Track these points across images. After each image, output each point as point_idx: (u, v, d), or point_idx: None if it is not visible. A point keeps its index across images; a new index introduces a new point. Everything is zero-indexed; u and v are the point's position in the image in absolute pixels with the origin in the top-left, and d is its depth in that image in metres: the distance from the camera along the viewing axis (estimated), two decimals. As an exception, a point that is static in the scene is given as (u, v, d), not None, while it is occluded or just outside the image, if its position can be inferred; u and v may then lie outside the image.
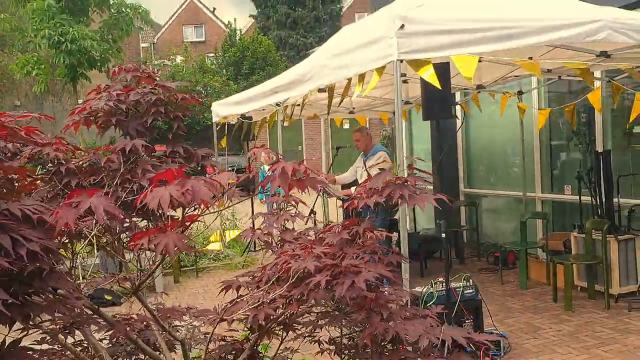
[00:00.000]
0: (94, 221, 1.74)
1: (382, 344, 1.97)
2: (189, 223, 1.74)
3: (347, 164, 7.63)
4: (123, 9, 14.71)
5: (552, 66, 6.03)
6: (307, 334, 2.46)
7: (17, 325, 1.68)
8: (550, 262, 6.50)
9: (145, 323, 2.31)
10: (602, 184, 6.26)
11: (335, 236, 2.04)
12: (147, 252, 2.00)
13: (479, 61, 5.30)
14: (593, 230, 6.08)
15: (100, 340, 2.40)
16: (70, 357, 2.02)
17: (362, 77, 4.64)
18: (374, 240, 2.13)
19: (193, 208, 1.73)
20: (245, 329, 2.19)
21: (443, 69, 4.24)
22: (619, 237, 5.98)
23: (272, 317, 1.94)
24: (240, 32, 29.59)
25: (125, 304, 6.34)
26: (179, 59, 26.01)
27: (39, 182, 2.18)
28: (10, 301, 1.45)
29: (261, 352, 2.31)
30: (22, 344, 1.73)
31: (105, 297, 6.64)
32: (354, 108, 8.95)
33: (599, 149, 6.70)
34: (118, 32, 14.79)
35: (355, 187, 7.31)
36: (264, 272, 2.04)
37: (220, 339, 2.41)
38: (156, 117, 2.19)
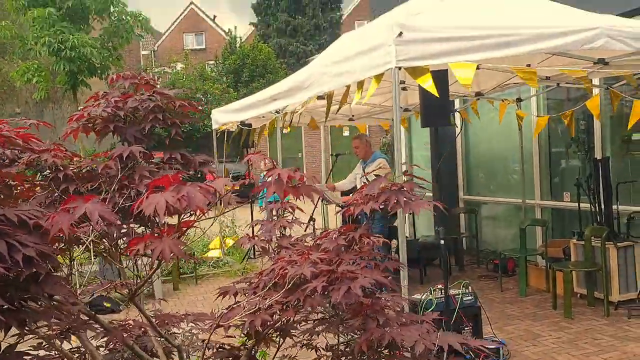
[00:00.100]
0: (91, 227, 1.75)
1: (379, 349, 1.97)
2: (185, 229, 1.74)
3: (347, 171, 7.64)
4: (123, 17, 14.75)
5: (551, 73, 6.05)
6: (305, 341, 2.46)
7: (14, 330, 1.68)
8: (549, 269, 6.49)
9: (142, 329, 2.31)
10: (601, 191, 6.26)
11: (331, 242, 2.04)
12: (144, 258, 2.01)
13: (477, 68, 5.33)
14: (592, 238, 6.08)
15: (98, 347, 2.40)
16: (67, 363, 2.02)
17: (360, 85, 4.66)
18: (371, 246, 2.13)
19: (189, 214, 1.73)
20: (242, 335, 2.19)
21: (441, 76, 4.26)
22: (618, 244, 5.98)
23: (268, 323, 1.94)
24: (241, 39, 29.67)
25: (124, 311, 6.34)
26: (179, 66, 26.08)
27: (38, 188, 2.18)
28: (5, 307, 1.45)
29: (259, 359, 2.31)
30: (19, 350, 1.73)
31: (104, 304, 6.63)
32: (353, 115, 8.97)
33: (598, 156, 6.70)
34: (118, 40, 14.83)
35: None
36: (261, 278, 2.05)
37: (217, 346, 2.41)
38: (154, 123, 2.20)
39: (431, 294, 4.71)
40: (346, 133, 20.69)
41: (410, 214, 8.88)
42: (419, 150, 10.52)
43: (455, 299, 4.70)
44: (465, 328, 4.72)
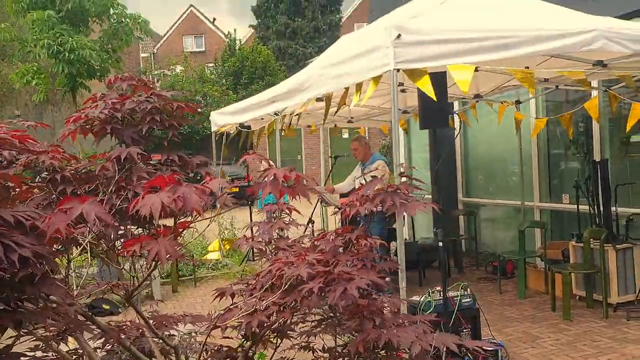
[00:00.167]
0: (88, 229, 1.75)
1: (375, 350, 1.97)
2: (181, 230, 1.75)
3: (346, 174, 7.65)
4: (123, 20, 14.76)
5: (549, 75, 6.06)
6: (303, 343, 2.46)
7: (11, 332, 1.68)
8: (548, 271, 6.49)
9: (140, 331, 2.31)
10: (599, 193, 6.26)
11: (328, 243, 2.05)
12: (142, 260, 2.01)
13: (476, 70, 5.33)
14: (591, 240, 6.08)
15: (96, 349, 2.40)
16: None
17: (359, 87, 4.66)
18: (368, 247, 2.13)
19: (186, 215, 1.74)
20: (240, 336, 2.19)
21: (440, 79, 4.26)
22: (617, 246, 5.98)
23: (265, 324, 1.94)
24: (240, 42, 29.71)
25: (123, 313, 6.34)
26: (178, 68, 26.09)
27: (36, 190, 2.19)
28: (1, 307, 1.45)
29: (252, 356, 2.31)
30: (16, 351, 1.73)
31: (103, 306, 6.63)
32: (352, 117, 8.97)
33: (597, 158, 6.71)
34: (117, 42, 14.83)
35: (353, 196, 7.30)
36: (258, 279, 2.05)
37: (215, 348, 2.41)
38: (151, 125, 2.20)
39: (430, 296, 4.71)
40: (345, 135, 20.73)
41: (409, 216, 8.92)
42: (418, 152, 10.53)
43: (453, 301, 4.70)
44: (464, 330, 4.72)
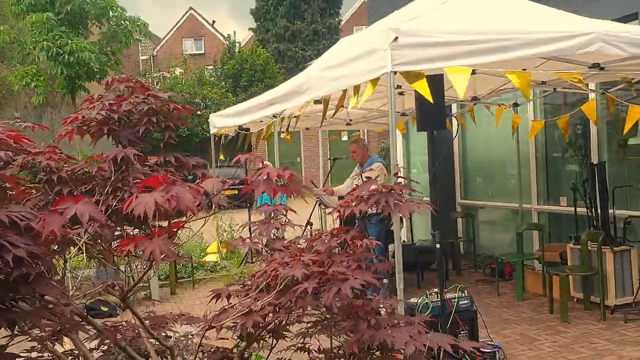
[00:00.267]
0: (84, 229, 1.76)
1: (370, 351, 1.98)
2: (176, 230, 1.75)
3: (345, 176, 7.66)
4: (122, 22, 14.77)
5: (547, 78, 6.07)
6: (300, 344, 2.47)
7: (7, 332, 1.68)
8: (546, 274, 6.50)
9: (136, 331, 2.31)
10: (597, 195, 6.27)
11: (323, 244, 2.05)
12: (138, 260, 2.02)
13: (474, 73, 5.35)
14: (589, 242, 6.08)
15: (92, 350, 2.40)
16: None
17: (357, 89, 4.67)
18: (364, 248, 2.14)
19: (182, 215, 1.74)
20: (235, 337, 2.20)
21: (437, 81, 4.27)
22: (614, 248, 5.99)
23: (260, 325, 1.94)
24: (239, 45, 29.74)
25: (121, 315, 6.33)
26: (178, 71, 26.11)
27: (34, 191, 2.19)
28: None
29: (249, 357, 2.31)
30: (12, 352, 1.73)
31: (102, 308, 6.64)
32: (350, 120, 8.98)
33: (594, 160, 6.72)
34: (117, 45, 14.85)
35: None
36: (254, 280, 2.05)
37: (211, 349, 2.41)
38: (148, 126, 2.21)
39: (427, 297, 4.72)
40: (345, 138, 20.75)
41: (407, 218, 8.93)
42: (417, 155, 10.54)
43: (451, 303, 4.70)
44: (462, 332, 4.72)
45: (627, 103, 5.81)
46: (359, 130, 12.05)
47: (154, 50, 35.71)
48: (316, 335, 2.36)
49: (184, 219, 1.81)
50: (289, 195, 1.89)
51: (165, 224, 1.84)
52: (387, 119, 8.86)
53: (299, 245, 2.28)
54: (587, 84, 6.22)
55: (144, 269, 1.96)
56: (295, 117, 6.29)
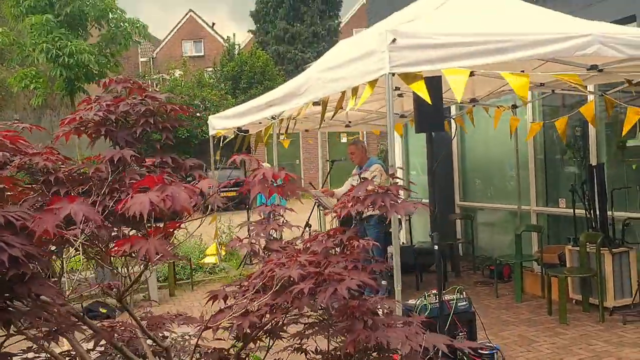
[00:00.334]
0: (80, 230, 1.76)
1: (368, 352, 1.98)
2: (172, 230, 1.76)
3: (344, 177, 7.66)
4: (121, 24, 14.78)
5: (545, 80, 6.08)
6: (296, 345, 2.47)
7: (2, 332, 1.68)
8: (545, 275, 6.51)
9: (133, 332, 2.32)
10: (595, 197, 6.28)
11: (320, 245, 2.06)
12: (134, 260, 2.02)
13: (472, 75, 5.35)
14: (587, 243, 6.09)
15: (89, 351, 2.41)
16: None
17: (355, 91, 4.68)
18: (360, 249, 2.14)
19: (178, 217, 1.74)
20: (232, 337, 2.20)
21: (435, 83, 4.27)
22: (613, 250, 5.99)
23: (257, 325, 1.95)
24: (239, 47, 29.76)
25: (120, 316, 6.34)
26: (177, 73, 26.12)
27: (32, 192, 2.19)
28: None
29: (246, 358, 2.32)
30: (6, 352, 1.73)
31: (100, 310, 6.64)
32: (350, 122, 8.99)
33: (593, 162, 6.73)
34: (116, 47, 14.86)
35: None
36: (251, 281, 2.06)
37: (208, 350, 2.41)
38: (145, 127, 2.21)
39: (426, 299, 4.72)
40: (344, 140, 20.74)
41: (407, 220, 8.94)
42: (416, 156, 10.55)
43: (449, 304, 4.71)
44: (460, 333, 4.72)
45: (625, 105, 5.82)
46: (358, 133, 12.09)
47: (154, 52, 35.74)
48: (314, 337, 2.36)
49: (182, 219, 1.82)
50: (284, 196, 1.89)
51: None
52: (385, 121, 8.91)
53: (296, 246, 2.29)
54: (586, 86, 6.24)
55: (140, 268, 1.96)
56: (294, 118, 6.29)
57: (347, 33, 28.79)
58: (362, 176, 6.94)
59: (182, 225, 1.91)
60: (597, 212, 6.27)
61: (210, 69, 29.03)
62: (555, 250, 7.00)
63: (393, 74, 4.17)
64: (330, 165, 7.98)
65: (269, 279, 1.91)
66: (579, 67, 5.13)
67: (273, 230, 2.32)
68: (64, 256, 1.99)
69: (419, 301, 4.73)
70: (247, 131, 8.60)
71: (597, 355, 4.94)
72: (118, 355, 2.32)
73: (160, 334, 2.35)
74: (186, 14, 37.28)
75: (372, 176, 6.29)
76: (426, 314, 4.54)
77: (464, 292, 4.86)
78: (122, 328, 2.35)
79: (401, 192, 2.00)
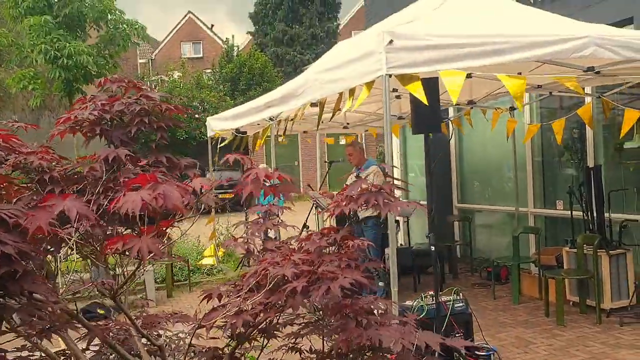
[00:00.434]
0: (75, 228, 1.76)
1: (362, 351, 1.98)
2: (164, 228, 1.76)
3: (343, 180, 7.65)
4: (120, 25, 14.77)
5: (542, 82, 6.09)
6: (291, 344, 2.47)
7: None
8: (542, 277, 6.51)
9: (127, 331, 2.32)
10: (593, 199, 6.29)
11: (314, 244, 2.06)
12: (130, 260, 2.02)
13: (470, 77, 5.36)
14: (584, 245, 6.10)
15: (84, 350, 2.41)
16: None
17: (352, 92, 4.68)
18: (355, 248, 2.15)
19: (173, 214, 1.75)
20: (226, 336, 2.20)
21: (432, 84, 4.28)
22: (610, 252, 6.00)
23: (251, 324, 1.95)
24: (238, 48, 29.78)
25: (118, 317, 6.33)
26: (176, 74, 26.11)
27: (27, 191, 2.19)
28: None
29: (241, 357, 2.32)
30: (2, 348, 1.73)
31: (98, 311, 6.63)
32: (348, 123, 9.00)
33: (590, 164, 6.74)
34: (114, 48, 14.85)
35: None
36: (245, 280, 2.06)
37: (203, 349, 2.41)
38: (140, 126, 2.22)
39: (422, 300, 4.72)
40: (342, 142, 20.74)
41: (405, 222, 8.94)
42: (414, 158, 10.55)
43: (446, 306, 4.71)
44: (456, 334, 4.72)
45: (622, 107, 5.84)
46: (356, 134, 12.08)
47: (153, 53, 35.74)
48: (308, 336, 2.37)
49: (179, 219, 1.82)
50: (278, 196, 1.89)
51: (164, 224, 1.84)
52: (383, 122, 8.90)
53: (290, 246, 2.29)
54: (584, 89, 6.25)
55: (135, 267, 1.96)
56: (291, 120, 6.29)
57: (345, 35, 28.81)
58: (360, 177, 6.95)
59: (177, 225, 1.91)
60: (595, 214, 6.27)
61: (209, 71, 29.02)
62: (552, 252, 7.01)
63: (390, 75, 4.18)
64: (328, 166, 7.97)
65: (263, 277, 1.92)
66: (576, 69, 5.14)
67: (271, 231, 2.32)
68: (59, 254, 1.99)
69: (415, 302, 4.73)
70: (245, 132, 8.61)
71: (594, 356, 4.94)
72: (113, 355, 2.32)
73: (155, 333, 2.35)
74: (185, 16, 37.29)
75: (380, 181, 6.29)
76: (423, 315, 4.54)
77: (460, 294, 4.86)
78: (118, 327, 2.35)
79: (395, 191, 2.00)
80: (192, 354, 2.33)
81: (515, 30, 4.62)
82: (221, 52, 29.34)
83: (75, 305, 2.06)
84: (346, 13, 35.05)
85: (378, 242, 6.66)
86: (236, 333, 2.06)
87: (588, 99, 6.62)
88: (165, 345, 2.36)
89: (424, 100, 4.06)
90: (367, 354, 2.01)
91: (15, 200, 1.92)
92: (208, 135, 9.32)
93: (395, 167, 4.12)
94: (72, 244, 1.75)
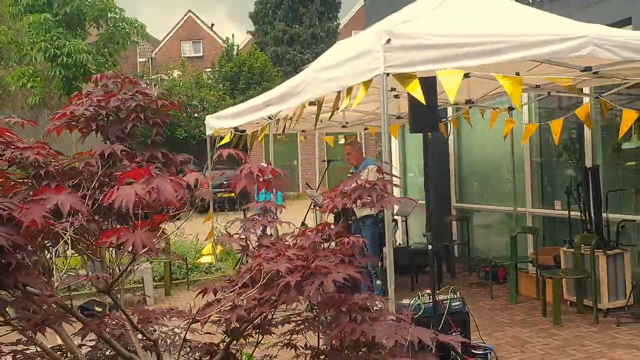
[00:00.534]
0: (70, 223, 1.77)
1: (358, 347, 1.99)
2: (158, 223, 1.76)
3: (341, 178, 7.65)
4: (119, 24, 14.78)
5: (540, 82, 6.10)
6: (286, 341, 2.48)
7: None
8: (539, 277, 6.51)
9: (122, 324, 2.32)
10: (591, 199, 6.30)
11: (308, 240, 2.07)
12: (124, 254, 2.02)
13: (468, 76, 5.38)
14: (582, 245, 6.10)
15: (81, 345, 2.41)
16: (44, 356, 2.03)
17: (349, 91, 4.69)
18: (351, 245, 2.15)
19: (166, 210, 1.75)
20: (221, 332, 2.21)
21: (430, 83, 4.29)
22: (607, 252, 6.01)
23: (245, 319, 1.95)
24: (238, 47, 29.78)
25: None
26: (175, 73, 26.12)
27: (24, 186, 2.20)
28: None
29: (236, 353, 2.32)
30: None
31: (96, 308, 6.63)
32: (347, 122, 9.01)
33: (588, 164, 6.75)
34: (114, 46, 14.86)
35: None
36: (240, 276, 2.07)
37: (198, 345, 2.42)
38: (136, 122, 2.23)
39: (419, 298, 4.72)
40: (342, 141, 20.76)
41: (403, 221, 8.95)
42: (413, 158, 10.57)
43: (443, 304, 4.72)
44: (453, 333, 4.73)
45: (620, 107, 5.84)
46: (355, 133, 12.08)
47: (152, 52, 35.74)
48: (304, 332, 2.38)
49: (177, 216, 1.83)
50: (270, 191, 1.90)
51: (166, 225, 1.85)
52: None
53: (285, 242, 2.30)
54: (582, 89, 6.26)
55: (133, 264, 1.97)
56: (289, 118, 6.30)
57: (346, 35, 28.80)
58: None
59: (173, 221, 1.92)
60: (592, 214, 6.28)
61: (208, 70, 29.03)
62: (550, 252, 7.01)
63: (387, 74, 4.18)
64: (326, 165, 7.99)
65: (257, 272, 1.92)
66: (574, 69, 5.15)
67: (263, 226, 2.33)
68: (53, 249, 1.99)
69: (412, 301, 4.73)
70: (244, 131, 8.62)
71: (590, 356, 4.95)
72: (109, 350, 2.33)
73: (151, 328, 2.35)
74: (185, 15, 37.30)
75: (364, 174, 6.30)
76: (420, 313, 4.55)
77: (457, 292, 4.87)
78: (114, 322, 2.36)
79: (389, 187, 2.01)
80: (188, 349, 2.34)
81: (514, 30, 4.62)
82: (221, 51, 29.34)
83: (70, 299, 2.07)
84: (346, 13, 35.07)
85: (376, 241, 6.68)
86: (230, 328, 2.07)
87: (586, 100, 6.63)
88: (161, 341, 2.36)
89: (422, 100, 4.07)
90: (362, 349, 2.02)
91: (11, 194, 1.93)
92: (207, 134, 9.32)
93: (387, 163, 4.11)
94: (67, 239, 1.76)
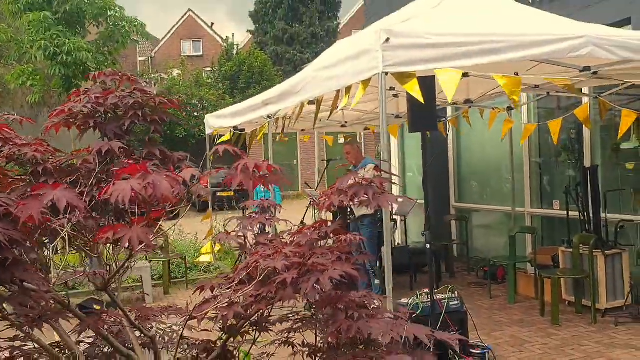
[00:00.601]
0: (67, 219, 1.77)
1: (355, 345, 1.99)
2: (154, 219, 1.76)
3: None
4: (119, 22, 14.76)
5: (539, 82, 6.10)
6: (284, 339, 2.49)
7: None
8: (538, 277, 6.52)
9: (119, 321, 2.33)
10: (589, 199, 6.30)
11: (305, 237, 2.07)
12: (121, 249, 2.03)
13: (467, 76, 5.37)
14: (581, 245, 6.11)
15: (79, 342, 2.42)
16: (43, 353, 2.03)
17: (348, 90, 4.69)
18: (348, 242, 2.16)
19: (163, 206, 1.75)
20: (219, 329, 2.21)
21: (428, 82, 4.29)
22: (606, 252, 6.01)
23: (242, 316, 1.96)
24: (238, 47, 29.77)
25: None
26: (175, 72, 26.11)
27: (22, 183, 2.20)
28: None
29: (234, 350, 2.33)
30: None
31: (95, 307, 6.63)
32: (346, 122, 9.00)
33: (587, 164, 6.75)
34: (114, 45, 14.84)
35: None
36: (237, 273, 2.07)
37: (195, 342, 2.43)
38: (134, 120, 2.23)
39: (418, 298, 4.73)
40: (341, 140, 20.77)
41: (402, 220, 8.96)
42: (412, 158, 10.57)
43: (441, 304, 4.72)
44: (451, 332, 4.73)
45: (619, 108, 5.85)
46: (355, 133, 12.13)
47: (152, 51, 35.71)
48: (301, 330, 2.38)
49: (175, 213, 1.83)
50: (266, 187, 1.91)
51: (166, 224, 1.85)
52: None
53: (283, 240, 2.30)
54: (581, 89, 6.26)
55: (130, 260, 1.97)
56: (289, 118, 6.30)
57: (346, 34, 28.78)
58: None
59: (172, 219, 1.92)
60: (591, 214, 6.29)
61: (208, 69, 29.02)
62: (548, 251, 7.02)
63: (386, 73, 4.18)
64: (326, 164, 7.99)
65: (254, 269, 1.93)
66: (573, 69, 5.15)
67: (261, 224, 2.33)
68: (51, 246, 2.00)
69: (411, 300, 4.74)
70: (243, 130, 8.61)
71: (589, 356, 4.95)
72: (106, 347, 2.33)
73: (149, 325, 2.36)
74: (185, 14, 37.26)
75: (361, 172, 6.30)
76: (418, 312, 4.55)
77: (456, 292, 4.87)
78: (112, 319, 2.36)
79: (386, 185, 2.01)
80: (185, 347, 2.34)
81: (513, 29, 4.62)
82: (221, 50, 29.34)
83: (67, 295, 2.07)
84: (346, 12, 35.05)
85: (374, 241, 6.68)
86: (228, 325, 2.07)
87: (585, 100, 6.63)
88: (159, 338, 2.37)
89: (420, 99, 4.07)
90: (359, 347, 2.02)
91: (8, 191, 1.93)
92: (206, 133, 9.32)
93: (386, 161, 4.11)
94: (65, 235, 1.76)
